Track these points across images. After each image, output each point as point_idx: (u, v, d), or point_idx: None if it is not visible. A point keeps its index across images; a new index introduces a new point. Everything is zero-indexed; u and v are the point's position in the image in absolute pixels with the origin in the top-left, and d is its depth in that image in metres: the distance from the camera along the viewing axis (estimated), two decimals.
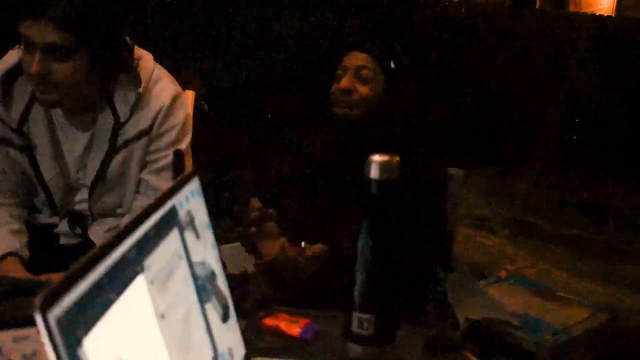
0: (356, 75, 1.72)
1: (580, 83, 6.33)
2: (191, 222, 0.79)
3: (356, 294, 0.94)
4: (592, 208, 4.90)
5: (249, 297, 1.12)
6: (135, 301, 0.57)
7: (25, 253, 1.68)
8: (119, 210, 1.83)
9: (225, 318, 0.85)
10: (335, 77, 1.77)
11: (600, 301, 3.04)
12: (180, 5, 6.04)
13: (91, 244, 1.80)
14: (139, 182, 1.78)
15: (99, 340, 0.48)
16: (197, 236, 0.81)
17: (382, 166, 0.92)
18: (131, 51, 1.70)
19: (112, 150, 1.73)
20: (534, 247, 4.06)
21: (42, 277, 1.55)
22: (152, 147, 1.76)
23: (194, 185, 0.84)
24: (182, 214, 0.76)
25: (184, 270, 0.73)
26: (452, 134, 5.42)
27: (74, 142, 1.73)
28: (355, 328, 0.95)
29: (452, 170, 1.91)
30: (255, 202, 1.63)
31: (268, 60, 6.09)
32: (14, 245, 1.66)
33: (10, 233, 1.69)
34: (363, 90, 1.71)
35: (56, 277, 1.42)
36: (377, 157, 0.92)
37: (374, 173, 0.92)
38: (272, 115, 5.59)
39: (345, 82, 1.72)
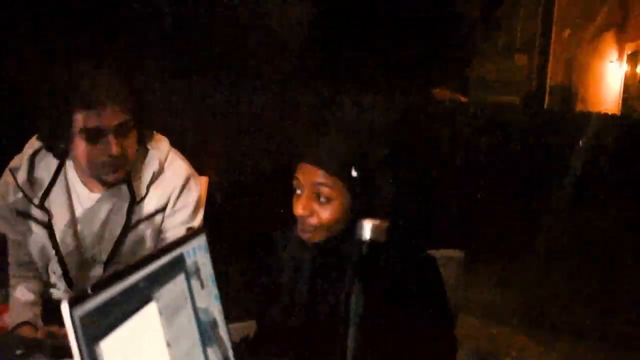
0: (314, 193, 1.48)
1: (587, 177, 6.46)
2: (197, 272, 0.88)
3: (349, 349, 1.01)
4: (603, 297, 4.90)
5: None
6: (147, 323, 0.66)
7: (40, 323, 1.75)
8: None
9: None
10: (293, 189, 1.54)
11: None
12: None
13: None
14: None
15: (114, 346, 0.57)
16: (202, 286, 0.89)
17: (373, 228, 1.01)
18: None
19: (128, 228, 1.82)
20: (544, 337, 4.05)
21: (51, 330, 1.64)
22: (166, 225, 1.86)
23: (201, 241, 0.93)
24: (189, 263, 0.85)
25: (188, 311, 0.81)
26: (460, 224, 5.53)
27: (92, 219, 1.83)
28: None
29: (449, 252, 1.95)
30: None
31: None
32: (27, 316, 1.74)
33: (25, 305, 1.77)
34: (323, 213, 1.47)
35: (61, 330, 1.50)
36: (368, 220, 1.01)
37: (365, 234, 1.01)
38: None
39: (301, 208, 1.48)
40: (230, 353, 0.96)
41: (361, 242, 1.01)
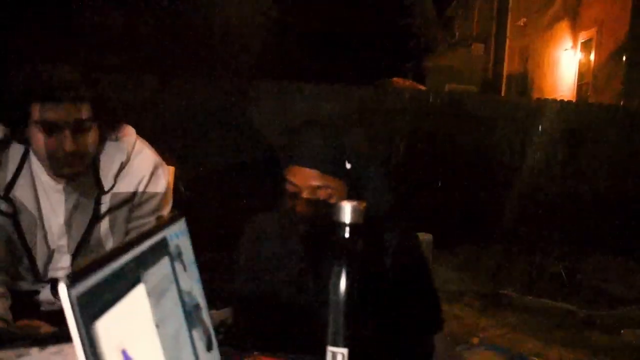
0: (313, 194, 1.49)
1: (545, 162, 6.61)
2: (179, 255, 0.88)
3: (329, 328, 1.02)
4: (560, 279, 5.04)
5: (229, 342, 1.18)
6: (137, 304, 0.65)
7: (9, 316, 1.72)
8: None
9: (209, 348, 0.93)
10: (285, 190, 1.54)
11: None
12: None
13: None
14: None
15: (109, 326, 0.56)
16: (185, 269, 0.89)
17: (352, 210, 1.02)
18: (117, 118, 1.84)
19: (96, 218, 1.80)
20: (506, 317, 4.16)
21: (20, 324, 1.62)
22: (135, 214, 1.84)
23: (181, 226, 0.93)
24: (171, 246, 0.85)
25: (173, 294, 0.81)
26: (422, 214, 5.60)
27: (58, 210, 1.81)
28: None
29: (420, 235, 2.00)
30: None
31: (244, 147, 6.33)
32: None
33: None
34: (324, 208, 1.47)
35: (32, 323, 1.47)
36: (346, 202, 1.02)
37: (345, 217, 1.02)
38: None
39: (304, 210, 1.49)
40: (213, 336, 0.96)
41: (341, 224, 1.02)
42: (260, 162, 6.43)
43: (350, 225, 1.02)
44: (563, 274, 4.99)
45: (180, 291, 0.83)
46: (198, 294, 0.93)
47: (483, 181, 6.72)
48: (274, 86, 6.86)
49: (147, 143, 1.92)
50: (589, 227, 6.25)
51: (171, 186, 2.02)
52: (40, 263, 1.83)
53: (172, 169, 2.18)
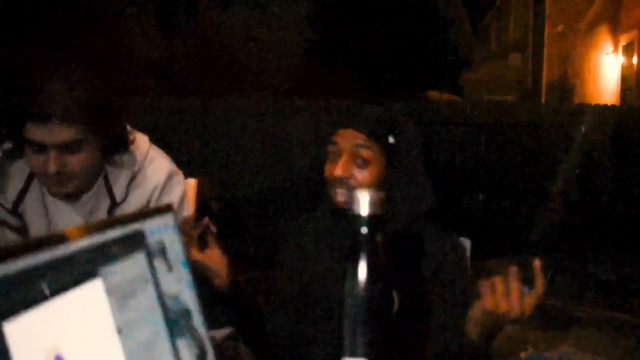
0: (353, 156, 1.47)
1: (590, 170, 6.37)
2: (162, 252, 0.76)
3: (346, 336, 0.88)
4: (611, 289, 4.79)
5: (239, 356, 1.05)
6: (88, 302, 0.54)
7: None
8: None
9: None
10: (328, 155, 1.52)
11: None
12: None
13: None
14: None
15: (37, 323, 0.44)
16: (170, 269, 0.77)
17: (371, 200, 0.88)
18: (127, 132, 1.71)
19: None
20: (556, 330, 3.92)
21: None
22: None
23: (169, 219, 0.81)
24: (151, 241, 0.73)
25: (150, 296, 0.69)
26: (464, 223, 5.42)
27: (69, 224, 1.71)
28: None
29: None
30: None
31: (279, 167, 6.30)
32: None
33: None
34: (361, 176, 1.46)
35: None
36: (362, 191, 0.89)
37: (363, 208, 0.89)
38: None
39: (341, 169, 1.46)
40: (208, 346, 0.84)
41: (357, 217, 0.88)
42: (298, 180, 6.37)
43: (367, 218, 0.88)
44: (614, 283, 4.74)
45: (160, 293, 0.71)
46: (189, 299, 0.81)
47: (526, 189, 6.50)
48: (311, 104, 6.77)
49: (161, 151, 1.81)
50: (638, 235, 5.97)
51: (188, 196, 1.91)
52: None
53: (193, 181, 2.08)
